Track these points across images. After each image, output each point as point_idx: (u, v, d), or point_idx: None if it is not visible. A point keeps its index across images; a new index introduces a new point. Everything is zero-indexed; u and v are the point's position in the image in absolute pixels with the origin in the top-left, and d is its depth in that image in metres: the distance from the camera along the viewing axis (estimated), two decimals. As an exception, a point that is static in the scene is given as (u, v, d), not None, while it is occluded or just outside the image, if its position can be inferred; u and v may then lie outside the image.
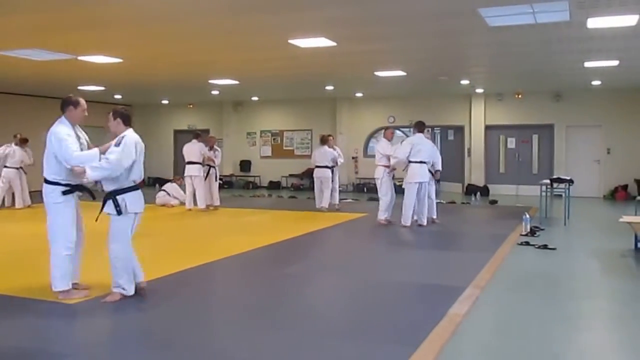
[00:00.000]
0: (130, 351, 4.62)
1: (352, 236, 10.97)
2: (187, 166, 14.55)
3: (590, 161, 19.32)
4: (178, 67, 14.08)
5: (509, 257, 8.62)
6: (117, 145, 5.89)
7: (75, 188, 6.06)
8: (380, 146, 12.23)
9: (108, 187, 5.95)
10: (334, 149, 14.65)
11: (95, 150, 5.98)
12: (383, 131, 12.98)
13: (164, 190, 16.02)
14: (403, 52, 12.17)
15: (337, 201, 14.86)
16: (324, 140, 14.49)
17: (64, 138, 5.88)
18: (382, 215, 11.98)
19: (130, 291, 6.04)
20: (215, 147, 15.09)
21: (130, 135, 5.98)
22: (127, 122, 6.11)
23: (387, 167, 12.04)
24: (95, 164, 5.81)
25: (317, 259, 8.74)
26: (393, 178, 12.36)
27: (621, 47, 11.28)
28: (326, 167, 14.31)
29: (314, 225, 11.99)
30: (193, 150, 14.55)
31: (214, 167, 14.91)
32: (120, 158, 5.81)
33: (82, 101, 6.16)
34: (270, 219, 13.22)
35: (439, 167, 12.33)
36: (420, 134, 11.78)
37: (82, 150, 6.02)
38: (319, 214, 13.88)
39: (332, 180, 14.53)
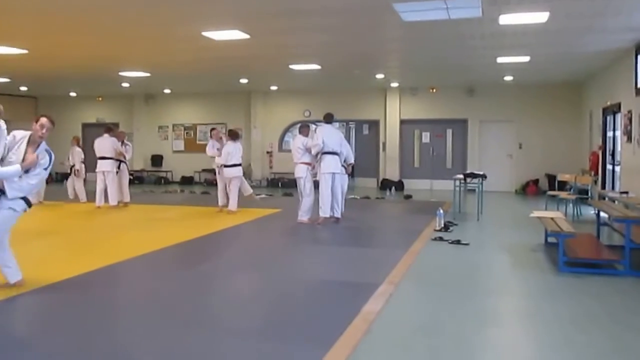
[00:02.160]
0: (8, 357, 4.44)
1: (265, 233, 10.91)
2: (99, 162, 14.27)
3: (502, 156, 19.81)
4: (87, 58, 13.76)
5: (422, 252, 8.70)
6: (42, 160, 6.09)
7: None
8: (299, 141, 12.06)
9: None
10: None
11: (17, 168, 5.95)
12: (298, 128, 12.76)
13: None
14: (317, 46, 12.19)
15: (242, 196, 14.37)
16: (235, 135, 13.46)
17: None
18: (305, 216, 11.85)
19: None
20: (125, 141, 14.78)
21: (49, 152, 6.19)
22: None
23: (309, 165, 11.91)
24: (14, 185, 5.98)
25: (230, 256, 8.67)
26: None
27: (532, 43, 11.62)
28: (238, 165, 13.52)
29: (228, 222, 11.92)
30: (105, 145, 14.31)
31: (124, 162, 14.69)
32: (39, 182, 6.20)
33: None
34: (182, 216, 13.07)
35: (351, 160, 12.41)
36: (329, 125, 11.85)
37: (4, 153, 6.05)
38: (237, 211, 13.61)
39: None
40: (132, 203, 14.86)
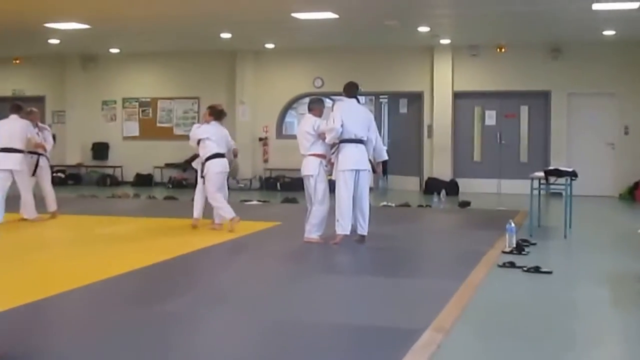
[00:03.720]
0: None
1: (258, 257, 10.95)
2: (2, 155, 13.65)
3: (600, 145, 19.97)
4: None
5: (485, 285, 8.70)
6: None
7: None
8: (308, 123, 12.04)
9: None
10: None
11: None
12: (308, 104, 12.67)
13: None
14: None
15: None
16: (218, 113, 13.53)
17: None
18: (315, 233, 11.89)
19: None
20: (40, 124, 14.75)
21: None
22: None
23: (322, 157, 11.92)
24: None
25: (207, 291, 8.67)
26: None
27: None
28: (221, 155, 13.40)
29: (204, 239, 11.98)
30: (12, 130, 13.74)
31: (44, 155, 14.41)
32: None
33: None
34: (138, 232, 13.14)
35: (383, 155, 12.45)
36: (352, 100, 11.85)
37: None
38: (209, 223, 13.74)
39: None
40: (63, 213, 14.76)
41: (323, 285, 8.98)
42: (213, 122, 13.30)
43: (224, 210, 13.07)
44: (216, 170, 13.08)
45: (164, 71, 23.41)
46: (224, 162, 13.21)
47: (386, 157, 12.57)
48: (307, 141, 11.91)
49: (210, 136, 13.06)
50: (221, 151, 13.19)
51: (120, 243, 11.87)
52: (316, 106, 12.25)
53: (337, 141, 11.60)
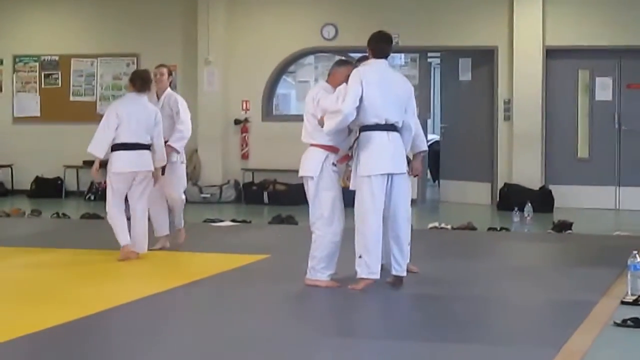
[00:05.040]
0: None
1: (233, 311, 10.83)
2: None
3: None
4: None
5: (594, 355, 8.52)
6: None
7: None
8: (310, 98, 12.10)
9: None
10: (166, 102, 14.87)
11: None
12: (331, 68, 12.66)
13: None
14: None
15: (180, 225, 15.11)
16: (143, 79, 14.10)
17: None
18: (323, 272, 11.76)
19: None
20: None
21: None
22: None
23: (333, 150, 11.91)
24: None
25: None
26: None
27: None
28: (145, 147, 14.14)
29: (150, 284, 12.12)
30: None
31: None
32: None
33: None
34: (35, 272, 13.22)
35: (423, 145, 12.61)
36: (382, 63, 11.85)
37: None
38: (159, 257, 14.12)
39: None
40: None
41: (337, 356, 8.87)
42: (132, 95, 14.05)
43: (116, 231, 13.80)
44: (117, 168, 13.94)
45: (82, 13, 23.90)
46: (147, 156, 13.96)
47: (426, 148, 12.76)
48: (309, 123, 11.97)
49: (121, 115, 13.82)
50: (140, 140, 13.84)
51: (11, 293, 11.69)
52: (334, 69, 12.29)
53: (357, 127, 11.62)
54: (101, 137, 13.96)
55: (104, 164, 13.96)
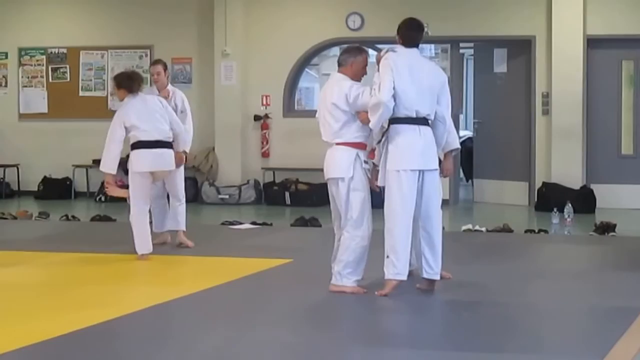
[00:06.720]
0: None
1: (255, 317, 10.60)
2: None
3: None
4: None
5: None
6: None
7: None
8: (335, 91, 11.65)
9: None
10: (172, 100, 15.02)
11: None
12: (339, 57, 12.44)
13: None
14: None
15: (182, 227, 15.14)
16: (131, 79, 14.15)
17: None
18: (350, 277, 11.52)
19: None
20: None
21: None
22: None
23: (362, 147, 11.65)
24: None
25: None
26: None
27: None
28: (165, 144, 14.24)
29: (167, 289, 12.02)
30: None
31: None
32: None
33: None
34: (48, 277, 13.19)
35: (455, 143, 12.30)
36: (413, 52, 11.54)
37: None
38: (175, 261, 14.28)
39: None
40: None
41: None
42: (130, 100, 14.13)
43: (136, 240, 13.97)
44: (137, 167, 14.13)
45: (91, 2, 23.69)
46: (154, 155, 14.09)
47: (458, 145, 12.48)
48: (334, 120, 11.58)
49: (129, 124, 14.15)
50: (160, 137, 14.09)
51: (16, 299, 11.42)
52: (351, 59, 11.79)
53: (387, 119, 11.29)
54: (109, 152, 14.15)
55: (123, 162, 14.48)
